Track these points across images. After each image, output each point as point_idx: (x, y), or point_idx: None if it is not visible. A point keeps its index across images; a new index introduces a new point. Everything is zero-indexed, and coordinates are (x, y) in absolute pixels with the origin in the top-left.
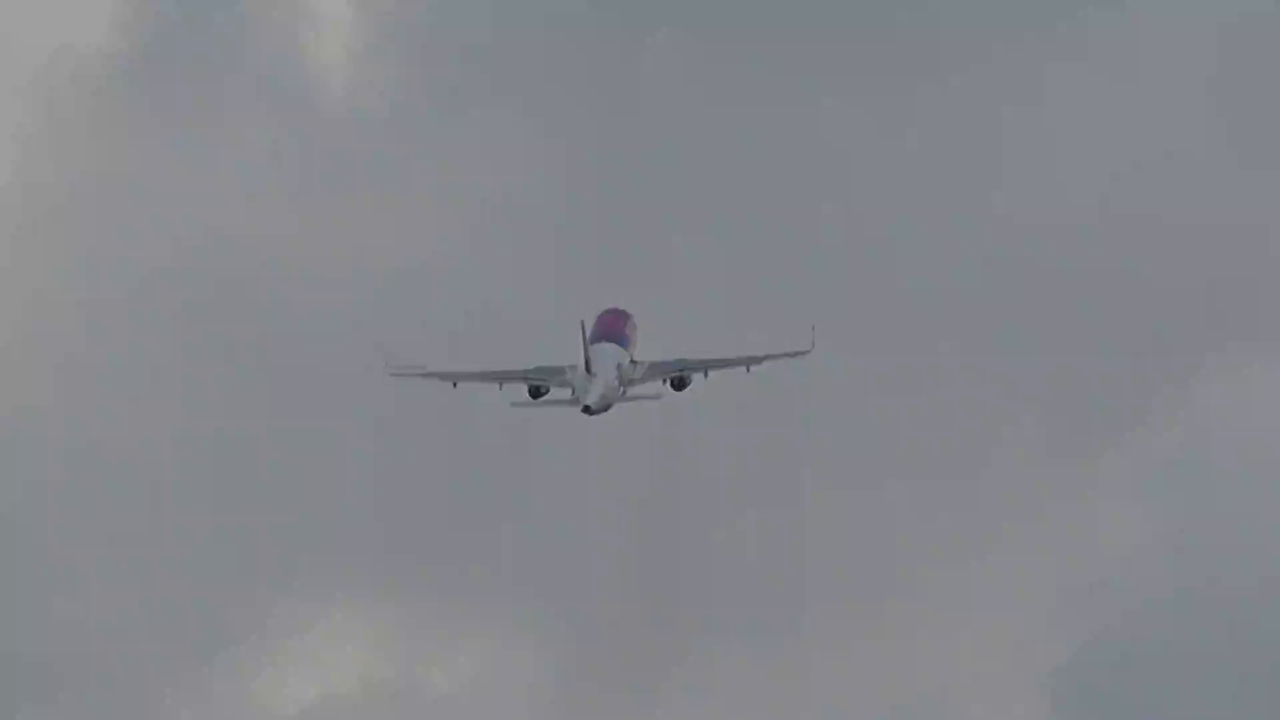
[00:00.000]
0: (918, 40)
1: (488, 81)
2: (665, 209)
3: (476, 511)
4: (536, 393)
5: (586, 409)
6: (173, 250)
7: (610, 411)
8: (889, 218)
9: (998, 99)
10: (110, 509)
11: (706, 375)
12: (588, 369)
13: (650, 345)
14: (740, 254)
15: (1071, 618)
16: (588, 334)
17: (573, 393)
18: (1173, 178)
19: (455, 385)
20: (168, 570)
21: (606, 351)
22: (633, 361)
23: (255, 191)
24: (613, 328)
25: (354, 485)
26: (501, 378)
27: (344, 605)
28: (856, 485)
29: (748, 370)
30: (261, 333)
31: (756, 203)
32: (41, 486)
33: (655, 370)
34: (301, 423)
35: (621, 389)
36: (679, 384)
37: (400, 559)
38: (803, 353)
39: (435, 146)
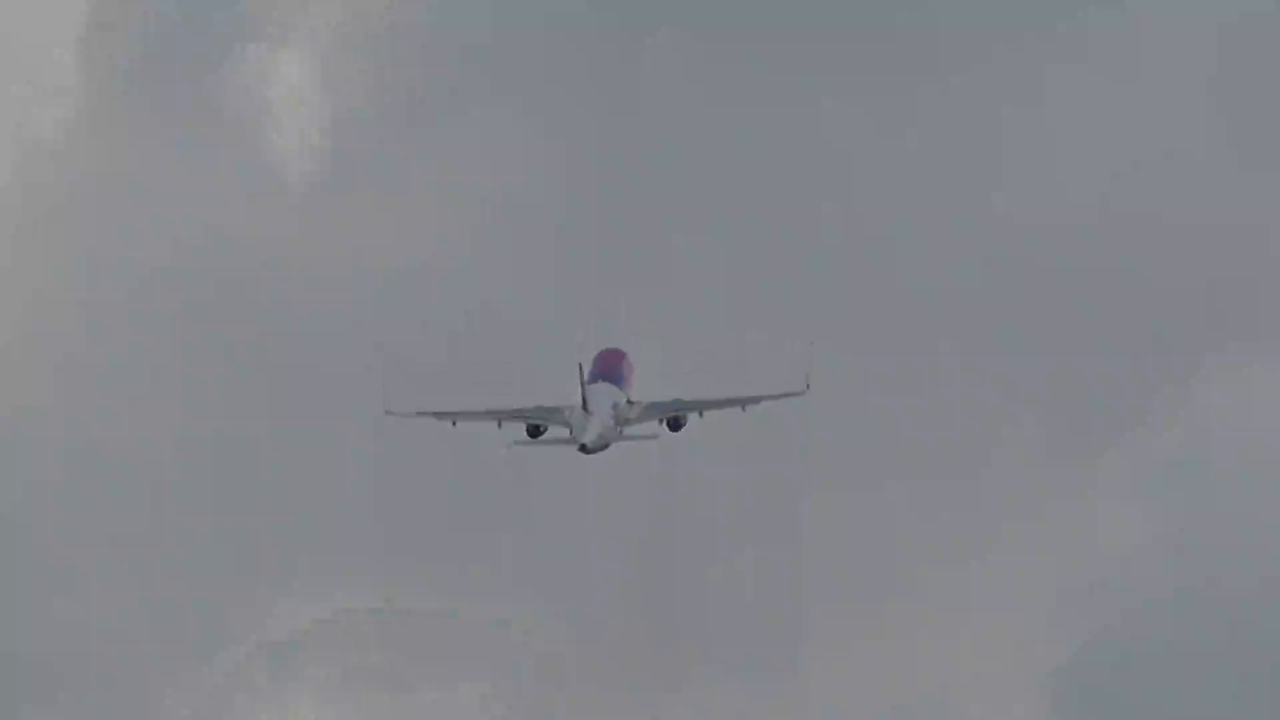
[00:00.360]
0: (918, 40)
1: (488, 81)
2: (665, 209)
3: (475, 544)
4: (535, 432)
5: (584, 448)
6: (173, 250)
7: (608, 450)
8: (889, 218)
9: (998, 99)
10: (110, 509)
11: (702, 415)
12: (585, 409)
13: (648, 381)
14: (740, 253)
15: (1071, 618)
16: (585, 374)
17: (571, 432)
18: (1173, 178)
19: (454, 424)
20: (168, 570)
21: (603, 392)
22: (629, 402)
23: (255, 191)
24: (610, 368)
25: (350, 500)
26: (501, 416)
27: (343, 615)
28: (856, 484)
29: (743, 409)
30: (261, 332)
31: (756, 203)
32: (42, 486)
33: (651, 410)
34: (301, 426)
35: (618, 428)
36: (675, 424)
37: (396, 573)
38: (797, 394)
39: (435, 146)
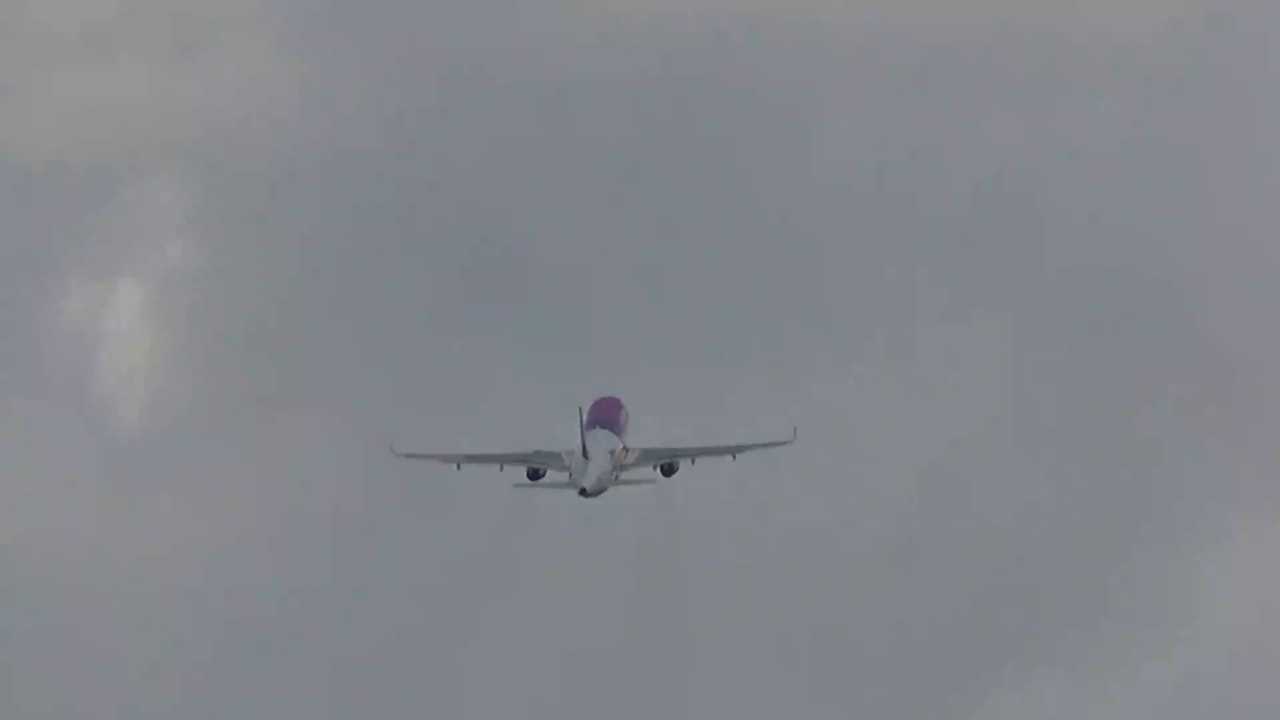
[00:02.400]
0: None
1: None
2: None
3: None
4: (535, 475)
5: (583, 491)
6: None
7: (605, 494)
8: None
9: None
10: None
11: (694, 462)
12: (584, 454)
13: (643, 428)
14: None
15: None
16: (584, 421)
17: (570, 476)
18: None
19: (459, 467)
20: None
21: (601, 438)
22: (625, 448)
23: None
24: (607, 415)
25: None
26: (503, 460)
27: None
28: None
29: (733, 458)
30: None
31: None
32: None
33: (647, 456)
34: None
35: (615, 473)
36: (668, 469)
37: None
38: (785, 443)
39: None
